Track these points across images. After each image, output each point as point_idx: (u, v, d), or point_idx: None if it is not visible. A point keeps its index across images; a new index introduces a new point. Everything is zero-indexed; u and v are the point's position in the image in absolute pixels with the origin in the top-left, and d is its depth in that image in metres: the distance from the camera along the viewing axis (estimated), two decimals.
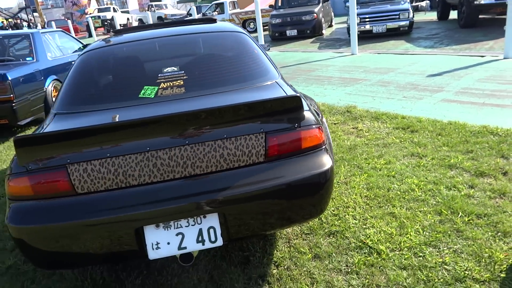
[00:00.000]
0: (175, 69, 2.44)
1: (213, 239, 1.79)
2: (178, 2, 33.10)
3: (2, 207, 3.11)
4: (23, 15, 49.25)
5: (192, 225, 1.79)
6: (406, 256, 2.03)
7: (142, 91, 2.28)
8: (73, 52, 6.65)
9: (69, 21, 21.45)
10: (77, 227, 1.71)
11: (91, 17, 23.65)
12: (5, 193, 1.87)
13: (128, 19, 28.58)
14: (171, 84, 2.32)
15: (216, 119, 1.76)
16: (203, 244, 1.79)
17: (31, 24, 35.26)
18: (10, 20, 47.02)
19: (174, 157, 1.75)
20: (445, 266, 1.94)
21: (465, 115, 3.88)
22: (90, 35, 19.94)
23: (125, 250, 1.78)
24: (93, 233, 1.72)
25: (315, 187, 1.85)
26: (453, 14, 12.09)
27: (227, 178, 1.78)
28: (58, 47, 6.23)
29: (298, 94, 1.84)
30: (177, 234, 1.78)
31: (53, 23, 22.63)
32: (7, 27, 39.60)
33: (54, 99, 5.54)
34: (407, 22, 9.68)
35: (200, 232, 1.79)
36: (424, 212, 2.39)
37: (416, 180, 2.75)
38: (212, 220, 1.79)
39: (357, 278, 1.93)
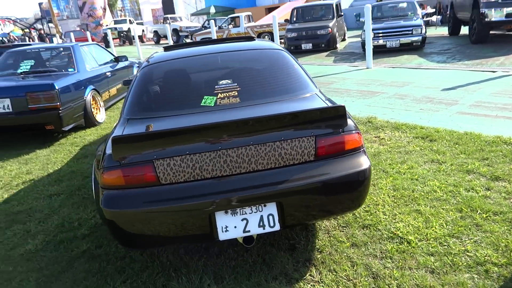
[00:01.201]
0: (229, 81, 2.81)
1: (272, 224, 2.14)
2: (192, 15, 33.87)
3: (64, 204, 3.49)
4: (38, 25, 50.59)
5: (254, 212, 2.14)
6: (432, 245, 2.36)
7: (203, 100, 2.65)
8: (105, 63, 7.10)
9: (88, 33, 22.12)
10: (160, 212, 2.06)
11: (109, 28, 24.35)
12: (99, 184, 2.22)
13: (143, 30, 29.35)
14: (227, 94, 2.70)
15: (276, 124, 2.12)
16: (264, 229, 2.14)
17: (44, 34, 36.24)
18: (26, 30, 48.32)
19: (241, 155, 2.11)
20: (468, 253, 2.26)
21: (479, 127, 4.20)
22: (108, 46, 20.57)
23: (199, 232, 2.13)
24: (173, 217, 2.07)
25: (356, 183, 2.20)
26: (464, 30, 12.45)
27: (284, 173, 2.14)
28: (94, 59, 6.69)
29: (343, 104, 2.19)
30: (242, 220, 2.13)
31: (71, 34, 23.36)
32: (24, 37, 40.68)
33: (92, 107, 5.96)
34: (420, 37, 10.05)
35: (261, 218, 2.14)
36: (446, 209, 2.71)
37: (438, 183, 3.08)
38: (271, 208, 2.14)
39: (391, 262, 2.26)
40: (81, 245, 2.77)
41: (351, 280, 2.16)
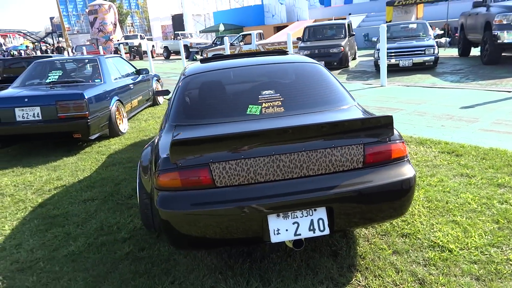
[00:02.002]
0: (272, 92, 2.92)
1: (321, 228, 2.21)
2: (201, 32, 34.44)
3: (100, 209, 3.56)
4: (49, 39, 51.49)
5: (305, 216, 2.21)
6: (474, 254, 2.41)
7: (249, 109, 2.75)
8: (127, 75, 7.26)
9: (101, 47, 22.53)
10: (215, 214, 2.13)
11: (120, 43, 24.79)
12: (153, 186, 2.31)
13: (153, 46, 29.82)
14: (271, 104, 2.80)
15: (327, 131, 2.21)
16: (314, 232, 2.20)
17: (61, 47, 36.91)
18: (36, 44, 49.18)
19: (293, 160, 2.19)
20: (510, 262, 2.31)
21: (503, 143, 4.28)
22: None
23: (252, 234, 2.20)
24: (228, 219, 2.14)
25: (402, 191, 2.27)
26: (473, 51, 12.64)
27: (334, 179, 2.22)
28: (118, 71, 6.85)
29: (391, 114, 2.28)
30: (293, 223, 2.20)
31: (84, 48, 23.84)
32: (33, 51, 41.38)
33: (116, 118, 6.07)
34: (433, 57, 10.21)
35: (312, 222, 2.21)
36: (483, 220, 2.77)
37: (470, 195, 3.14)
38: (321, 213, 2.21)
39: (435, 269, 2.31)
40: (123, 248, 2.83)
41: (398, 285, 2.21)
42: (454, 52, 14.07)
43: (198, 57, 24.56)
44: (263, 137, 2.16)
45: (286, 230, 2.19)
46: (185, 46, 25.06)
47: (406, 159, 2.36)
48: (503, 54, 10.32)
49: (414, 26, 11.92)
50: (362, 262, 2.44)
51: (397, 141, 2.33)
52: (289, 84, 3.09)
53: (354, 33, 14.41)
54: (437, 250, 2.48)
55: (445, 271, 2.28)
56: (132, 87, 7.06)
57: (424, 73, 9.99)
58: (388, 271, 2.33)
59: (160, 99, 8.83)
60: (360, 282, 2.27)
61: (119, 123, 6.23)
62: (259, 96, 2.88)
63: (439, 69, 10.52)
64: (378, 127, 2.27)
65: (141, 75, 7.76)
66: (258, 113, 2.73)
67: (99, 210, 3.51)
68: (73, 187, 4.16)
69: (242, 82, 3.14)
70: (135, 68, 7.84)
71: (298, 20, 29.70)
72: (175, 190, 2.20)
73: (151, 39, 35.28)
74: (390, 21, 18.63)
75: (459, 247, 2.49)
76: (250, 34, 17.81)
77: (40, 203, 3.79)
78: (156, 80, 8.76)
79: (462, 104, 6.31)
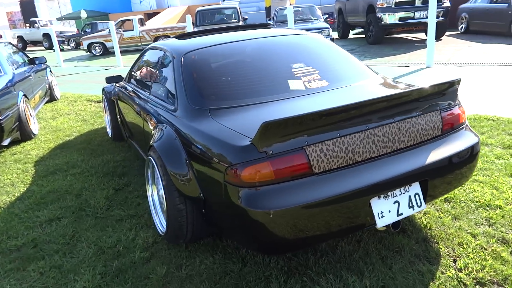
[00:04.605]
0: (302, 65, 2.61)
1: (419, 204, 2.05)
2: (58, 19, 30.53)
3: (79, 228, 2.78)
4: None
5: (403, 193, 2.02)
6: None
7: (290, 85, 2.40)
8: (23, 64, 5.93)
9: None
10: (318, 206, 1.79)
11: None
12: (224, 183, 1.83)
13: (0, 36, 25.31)
14: (310, 78, 2.50)
15: (411, 100, 2.04)
16: (413, 209, 2.03)
17: None
18: None
19: (386, 134, 1.97)
20: None
21: None
22: None
23: (356, 222, 1.91)
24: (332, 209, 1.82)
25: (475, 155, 2.25)
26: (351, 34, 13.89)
27: (424, 150, 2.07)
28: (14, 59, 5.52)
29: (459, 77, 2.22)
30: (394, 202, 1.99)
31: None
32: None
33: (27, 116, 4.89)
34: (329, 38, 10.83)
35: (410, 199, 2.03)
36: (500, 176, 2.97)
37: None
38: (416, 187, 2.05)
39: (502, 226, 2.37)
40: (154, 270, 2.23)
41: (486, 248, 2.19)
42: (334, 35, 15.21)
43: (66, 47, 21.76)
44: (357, 111, 1.88)
45: (389, 211, 1.97)
46: (47, 35, 21.97)
47: (466, 123, 2.35)
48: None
49: (306, 9, 12.47)
50: (433, 233, 2.37)
51: (461, 105, 2.30)
52: (312, 57, 2.80)
53: (247, 17, 14.44)
54: (489, 209, 2.55)
55: (510, 228, 2.36)
56: (32, 79, 5.78)
57: None
58: (464, 237, 2.31)
59: (58, 93, 7.48)
60: (450, 253, 2.19)
61: (30, 123, 5.04)
62: (292, 70, 2.55)
63: None
64: (451, 91, 2.19)
65: (35, 65, 6.41)
66: (304, 88, 2.40)
67: (79, 230, 2.73)
68: (15, 207, 3.17)
69: (261, 57, 2.73)
70: (27, 56, 6.44)
71: (168, 7, 28.58)
72: (265, 184, 1.78)
73: None
74: (269, 7, 19.21)
75: (504, 203, 2.60)
76: (130, 20, 16.41)
77: None
78: (50, 71, 7.36)
79: None
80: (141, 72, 3.50)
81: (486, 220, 2.45)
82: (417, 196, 2.05)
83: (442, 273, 2.05)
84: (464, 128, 2.29)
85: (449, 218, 2.50)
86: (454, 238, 2.30)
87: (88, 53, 16.74)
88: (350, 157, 1.89)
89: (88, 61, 14.92)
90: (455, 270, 2.05)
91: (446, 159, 2.07)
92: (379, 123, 1.96)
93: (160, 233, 2.50)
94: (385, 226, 1.96)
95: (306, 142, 1.81)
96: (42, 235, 2.71)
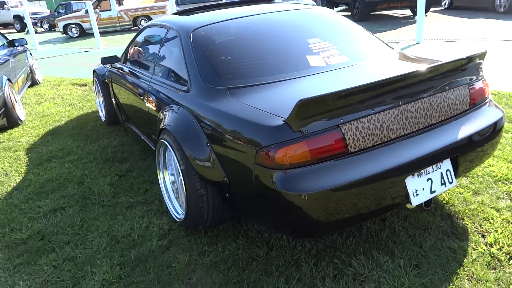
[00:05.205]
0: (319, 40, 2.49)
1: (450, 180, 2.00)
2: (28, 0, 29.15)
3: (87, 218, 2.64)
4: None
5: (435, 170, 1.96)
6: None
7: (310, 61, 2.29)
8: (3, 46, 5.59)
9: None
10: (356, 186, 1.71)
11: None
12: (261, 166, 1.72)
13: None
14: (329, 53, 2.39)
15: (441, 74, 1.96)
16: (445, 186, 1.98)
17: None
18: None
19: (418, 109, 1.90)
20: None
21: None
22: None
23: (392, 201, 1.85)
24: (370, 189, 1.75)
25: (501, 127, 2.20)
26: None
27: (455, 125, 2.02)
28: None
29: (485, 50, 2.15)
30: (427, 180, 1.93)
31: None
32: None
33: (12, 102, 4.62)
34: None
35: (442, 176, 1.98)
36: (509, 150, 2.96)
37: None
38: (447, 164, 2.00)
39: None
40: (175, 258, 2.14)
41: None
42: None
43: (39, 29, 20.84)
44: (388, 87, 1.79)
45: (423, 189, 1.92)
46: (18, 17, 20.98)
47: (490, 96, 2.30)
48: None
49: None
50: (457, 209, 2.34)
51: (485, 79, 2.24)
52: (327, 31, 2.68)
53: None
54: (507, 183, 2.55)
55: None
56: (13, 62, 5.47)
57: None
58: (488, 211, 2.29)
59: (39, 77, 7.13)
60: (477, 228, 2.17)
61: (16, 109, 4.77)
62: (309, 46, 2.43)
63: None
64: (477, 64, 2.13)
65: (15, 48, 6.06)
66: (325, 64, 2.30)
67: (87, 220, 2.60)
68: (13, 197, 3.00)
69: (274, 33, 2.58)
70: (6, 38, 6.08)
71: None
72: (301, 165, 1.69)
73: None
74: None
75: None
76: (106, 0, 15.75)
77: None
78: (30, 54, 6.99)
79: None
80: (140, 52, 3.31)
81: (507, 194, 2.44)
82: (448, 172, 2.00)
83: (473, 249, 2.02)
84: (488, 102, 2.25)
85: (470, 193, 2.48)
86: (479, 214, 2.28)
87: (64, 34, 16.06)
88: (385, 134, 1.81)
89: (65, 43, 14.31)
90: (486, 246, 2.03)
91: (476, 134, 2.02)
92: (412, 98, 1.88)
93: (177, 219, 2.40)
94: (418, 204, 1.91)
95: (342, 120, 1.72)
96: (48, 226, 2.57)
